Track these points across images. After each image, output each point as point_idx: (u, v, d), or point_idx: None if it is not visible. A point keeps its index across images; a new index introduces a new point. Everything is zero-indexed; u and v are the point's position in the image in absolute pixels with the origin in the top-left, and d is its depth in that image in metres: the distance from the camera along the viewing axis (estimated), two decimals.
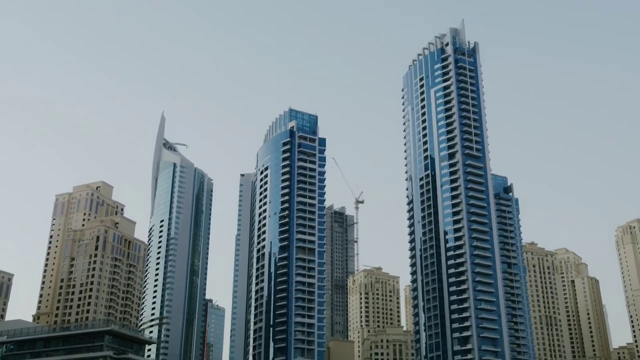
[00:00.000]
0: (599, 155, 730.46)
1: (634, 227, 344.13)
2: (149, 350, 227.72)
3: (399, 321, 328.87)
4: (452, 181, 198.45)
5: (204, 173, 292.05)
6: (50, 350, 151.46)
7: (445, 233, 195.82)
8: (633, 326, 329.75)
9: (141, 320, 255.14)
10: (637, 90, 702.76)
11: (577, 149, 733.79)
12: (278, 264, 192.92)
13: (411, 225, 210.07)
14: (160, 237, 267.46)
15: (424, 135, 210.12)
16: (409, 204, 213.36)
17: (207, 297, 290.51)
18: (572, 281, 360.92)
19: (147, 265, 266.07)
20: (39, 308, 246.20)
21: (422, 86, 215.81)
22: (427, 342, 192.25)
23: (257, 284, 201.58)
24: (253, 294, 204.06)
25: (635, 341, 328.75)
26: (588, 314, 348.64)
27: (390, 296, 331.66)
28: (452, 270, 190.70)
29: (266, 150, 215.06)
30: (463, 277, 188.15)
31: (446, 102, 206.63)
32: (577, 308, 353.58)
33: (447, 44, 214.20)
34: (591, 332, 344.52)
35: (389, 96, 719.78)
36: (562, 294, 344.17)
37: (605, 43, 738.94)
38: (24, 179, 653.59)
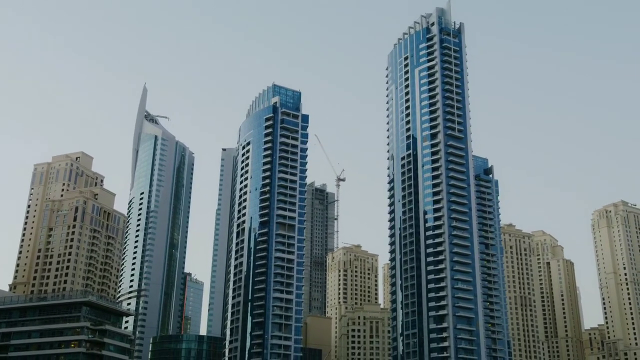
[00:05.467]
0: (578, 140, 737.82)
1: (610, 211, 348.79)
2: (127, 322, 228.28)
3: (376, 299, 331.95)
4: (434, 161, 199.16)
5: (185, 146, 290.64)
6: (27, 320, 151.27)
7: (425, 213, 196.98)
8: (605, 308, 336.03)
9: (119, 292, 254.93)
10: (617, 78, 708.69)
11: (557, 133, 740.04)
12: (258, 239, 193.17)
13: (391, 204, 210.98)
14: (140, 209, 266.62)
15: (407, 115, 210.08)
16: (389, 183, 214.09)
17: (186, 270, 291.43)
18: (548, 263, 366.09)
19: (126, 237, 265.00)
20: (15, 277, 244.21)
21: (406, 65, 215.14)
22: (404, 320, 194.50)
23: (236, 258, 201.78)
24: (232, 268, 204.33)
25: (606, 323, 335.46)
26: (562, 295, 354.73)
27: (368, 274, 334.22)
28: (430, 250, 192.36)
29: (248, 126, 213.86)
30: (441, 257, 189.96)
31: (430, 82, 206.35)
32: (551, 289, 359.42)
33: (432, 24, 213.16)
34: (564, 313, 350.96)
35: (374, 75, 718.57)
36: (538, 276, 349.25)
37: (588, 31, 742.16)
38: (3, 149, 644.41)
